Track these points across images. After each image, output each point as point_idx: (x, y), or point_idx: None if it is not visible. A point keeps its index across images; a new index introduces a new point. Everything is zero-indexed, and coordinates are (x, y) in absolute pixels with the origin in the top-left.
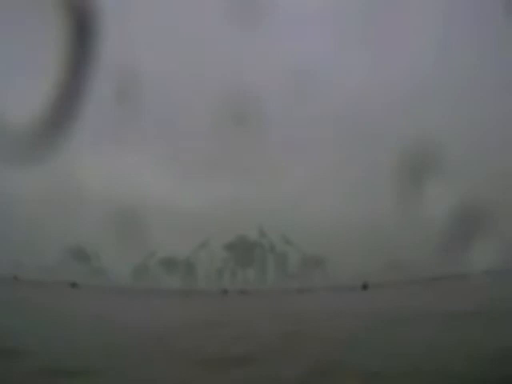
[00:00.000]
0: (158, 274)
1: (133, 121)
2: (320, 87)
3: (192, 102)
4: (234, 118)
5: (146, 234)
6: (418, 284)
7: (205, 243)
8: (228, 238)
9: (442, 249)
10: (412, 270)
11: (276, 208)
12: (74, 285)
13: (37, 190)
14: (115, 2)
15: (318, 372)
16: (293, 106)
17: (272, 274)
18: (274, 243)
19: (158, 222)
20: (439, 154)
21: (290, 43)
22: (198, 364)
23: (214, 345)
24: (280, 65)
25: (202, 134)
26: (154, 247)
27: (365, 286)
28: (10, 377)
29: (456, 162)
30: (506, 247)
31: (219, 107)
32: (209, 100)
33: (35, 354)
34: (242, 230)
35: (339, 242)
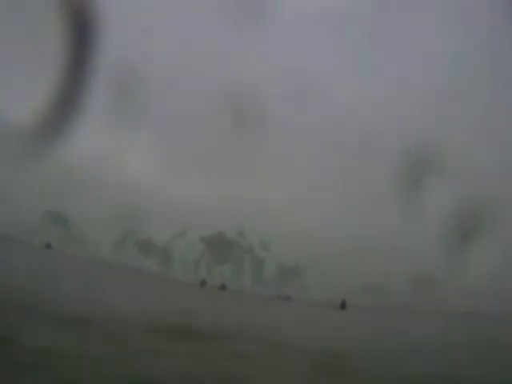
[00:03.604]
0: (135, 255)
1: (131, 116)
2: (320, 89)
3: (191, 101)
4: (232, 118)
5: (128, 213)
6: (397, 312)
7: (183, 233)
8: (206, 231)
9: (428, 280)
10: (394, 297)
11: (259, 211)
12: (48, 246)
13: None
14: (115, 2)
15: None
16: (292, 108)
17: (248, 276)
18: (252, 246)
19: (140, 204)
20: (439, 160)
21: (290, 43)
22: None
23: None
24: (280, 65)
25: (198, 131)
26: (134, 228)
27: (343, 305)
28: None
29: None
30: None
31: (218, 106)
32: (207, 99)
33: None
34: (222, 226)
35: (317, 256)
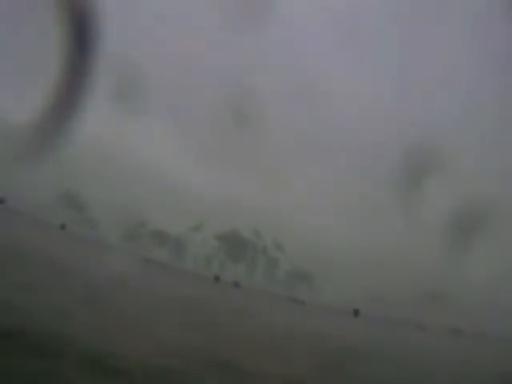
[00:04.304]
0: (148, 243)
1: (136, 113)
2: (320, 89)
3: (193, 100)
4: (235, 117)
5: (143, 203)
6: (406, 325)
7: (198, 227)
8: (221, 228)
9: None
10: (401, 310)
11: (274, 212)
12: (63, 226)
13: None
14: (116, 2)
15: None
16: (294, 108)
17: (261, 275)
18: (266, 246)
19: (156, 195)
20: (440, 160)
21: (290, 43)
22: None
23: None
24: (280, 65)
25: (199, 129)
26: (148, 218)
27: (356, 313)
28: None
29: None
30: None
31: (221, 106)
32: (210, 99)
33: None
34: (237, 225)
35: (330, 262)
